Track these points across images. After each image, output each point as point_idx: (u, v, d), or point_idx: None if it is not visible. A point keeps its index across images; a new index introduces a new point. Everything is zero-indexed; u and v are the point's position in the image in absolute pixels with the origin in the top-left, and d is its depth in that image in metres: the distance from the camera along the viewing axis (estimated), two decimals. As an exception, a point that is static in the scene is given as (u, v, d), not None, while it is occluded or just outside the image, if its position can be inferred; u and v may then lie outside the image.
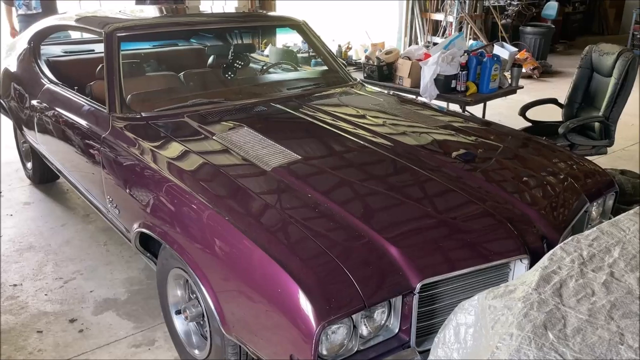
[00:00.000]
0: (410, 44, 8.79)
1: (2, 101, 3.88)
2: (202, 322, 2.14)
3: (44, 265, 3.04)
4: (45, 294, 2.78)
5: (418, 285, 1.62)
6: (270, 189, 2.00)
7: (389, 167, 2.20)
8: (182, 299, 2.23)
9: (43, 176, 3.98)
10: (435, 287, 1.70)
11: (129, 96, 2.65)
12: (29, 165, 4.04)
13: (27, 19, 5.64)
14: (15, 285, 2.85)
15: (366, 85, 3.38)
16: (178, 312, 2.23)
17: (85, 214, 3.61)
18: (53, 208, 3.73)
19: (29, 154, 3.97)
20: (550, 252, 1.29)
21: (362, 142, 2.37)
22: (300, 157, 2.19)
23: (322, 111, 2.73)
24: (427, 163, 2.20)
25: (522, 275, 1.24)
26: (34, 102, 3.27)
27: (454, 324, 1.18)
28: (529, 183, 2.16)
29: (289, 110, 2.75)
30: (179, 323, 2.27)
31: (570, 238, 1.33)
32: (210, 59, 3.61)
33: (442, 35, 8.55)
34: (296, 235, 1.72)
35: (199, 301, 2.07)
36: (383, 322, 1.68)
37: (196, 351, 2.19)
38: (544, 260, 1.24)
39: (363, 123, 2.60)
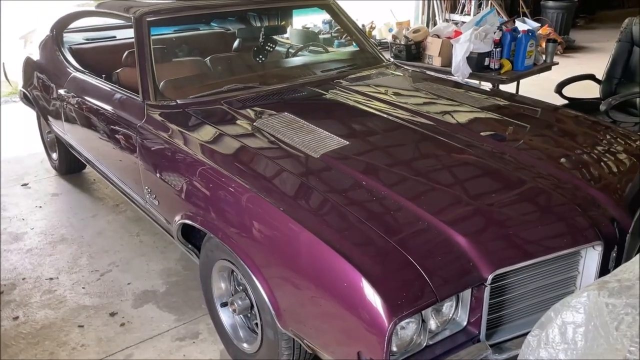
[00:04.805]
0: (428, 22, 8.57)
1: (25, 91, 3.81)
2: (249, 314, 2.07)
3: (79, 257, 2.98)
4: (83, 287, 2.72)
5: (490, 276, 1.53)
6: (322, 178, 1.90)
7: (444, 151, 2.07)
8: (227, 291, 2.17)
9: (69, 167, 3.92)
10: (505, 277, 1.61)
11: (161, 83, 2.56)
12: (54, 155, 3.97)
13: None
14: (51, 278, 2.80)
15: (400, 65, 3.26)
16: (224, 305, 2.17)
17: (115, 204, 3.55)
18: (82, 199, 3.68)
19: (54, 144, 3.90)
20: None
21: (411, 126, 2.26)
22: (348, 143, 2.08)
23: (361, 93, 2.62)
24: (484, 147, 2.08)
25: (627, 268, 1.14)
26: (61, 91, 3.18)
27: (559, 322, 1.08)
28: (591, 164, 2.04)
29: (328, 93, 2.64)
30: (225, 316, 2.20)
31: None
32: (236, 43, 3.50)
33: (461, 12, 8.31)
34: (358, 227, 1.62)
35: (246, 293, 2.00)
36: (451, 315, 1.60)
37: (245, 345, 2.13)
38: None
39: (409, 105, 2.48)
